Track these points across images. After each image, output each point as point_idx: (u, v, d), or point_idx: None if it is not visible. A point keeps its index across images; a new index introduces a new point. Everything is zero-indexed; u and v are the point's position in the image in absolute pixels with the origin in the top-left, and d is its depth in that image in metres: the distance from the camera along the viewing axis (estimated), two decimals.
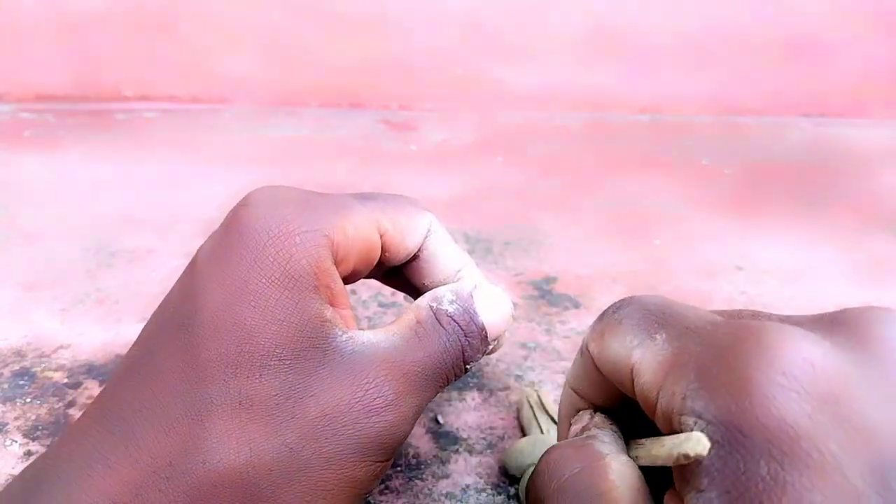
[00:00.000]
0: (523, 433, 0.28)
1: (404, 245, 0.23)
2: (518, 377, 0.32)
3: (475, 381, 0.32)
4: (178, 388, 0.18)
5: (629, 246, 0.46)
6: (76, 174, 0.55)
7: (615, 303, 0.19)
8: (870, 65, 0.76)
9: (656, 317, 0.18)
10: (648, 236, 0.47)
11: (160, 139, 0.63)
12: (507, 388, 0.31)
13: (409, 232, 0.23)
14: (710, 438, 0.14)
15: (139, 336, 0.21)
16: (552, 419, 0.28)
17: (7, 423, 0.28)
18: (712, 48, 0.75)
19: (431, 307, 0.21)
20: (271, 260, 0.19)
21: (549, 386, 0.31)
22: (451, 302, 0.21)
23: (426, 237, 0.24)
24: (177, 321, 0.19)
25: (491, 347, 0.22)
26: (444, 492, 0.26)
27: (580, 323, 0.36)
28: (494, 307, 0.22)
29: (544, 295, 0.39)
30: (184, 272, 0.21)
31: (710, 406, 0.14)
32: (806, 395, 0.14)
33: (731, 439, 0.14)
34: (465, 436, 0.29)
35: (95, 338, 0.34)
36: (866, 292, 0.41)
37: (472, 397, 0.31)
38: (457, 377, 0.21)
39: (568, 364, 0.33)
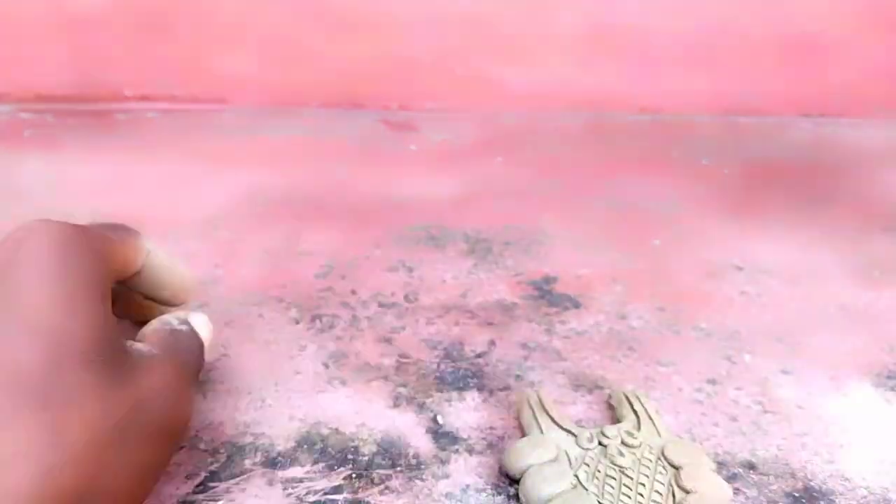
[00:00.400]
0: (523, 434, 0.28)
1: (132, 263, 0.27)
2: (518, 377, 0.32)
3: (475, 381, 0.32)
4: (9, 389, 0.19)
5: (629, 246, 0.46)
6: (76, 174, 0.55)
7: None
8: (870, 65, 0.76)
9: None
10: (648, 236, 0.47)
11: (160, 139, 0.63)
12: (507, 388, 0.31)
13: (135, 249, 0.27)
14: None
15: None
16: (552, 420, 0.28)
17: None
18: (712, 48, 0.75)
19: (166, 328, 0.26)
20: (73, 275, 0.21)
21: (550, 386, 0.31)
22: (182, 324, 0.27)
23: (148, 255, 0.28)
24: None
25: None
26: (444, 492, 0.26)
27: (580, 323, 0.36)
28: (204, 327, 0.27)
29: (544, 295, 0.39)
30: None
31: None
32: None
33: None
34: (465, 436, 0.29)
35: None
36: (866, 292, 0.41)
37: (472, 397, 0.31)
38: (197, 379, 0.27)
39: (568, 364, 0.33)
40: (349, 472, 0.27)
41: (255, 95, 0.73)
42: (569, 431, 0.27)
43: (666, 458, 0.26)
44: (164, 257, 0.29)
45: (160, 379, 0.23)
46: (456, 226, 0.48)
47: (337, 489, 0.26)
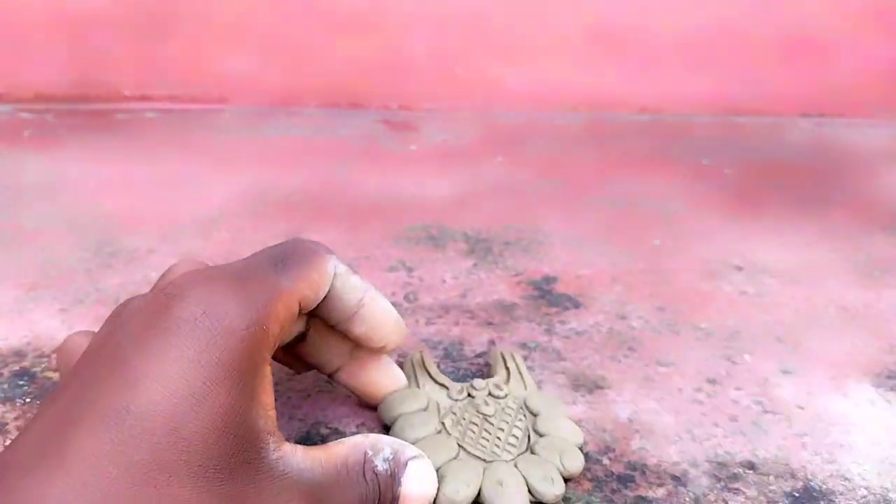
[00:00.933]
0: None
1: (316, 298, 0.23)
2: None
3: None
4: (104, 493, 0.16)
5: (629, 246, 0.46)
6: (76, 174, 0.55)
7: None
8: (870, 65, 0.76)
9: None
10: (648, 236, 0.47)
11: (160, 139, 0.63)
12: None
13: (322, 286, 0.23)
14: None
15: (46, 404, 0.19)
16: (429, 375, 0.30)
17: (7, 424, 0.28)
18: (712, 48, 0.75)
19: (366, 454, 0.21)
20: (215, 359, 0.18)
21: (550, 386, 0.31)
22: (386, 460, 0.21)
23: (333, 279, 0.24)
24: (103, 412, 0.17)
25: None
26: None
27: (580, 323, 0.36)
28: (421, 484, 0.22)
29: (544, 295, 0.39)
30: (103, 351, 0.19)
31: None
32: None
33: None
34: None
35: None
36: (866, 292, 0.41)
37: None
38: None
39: (568, 364, 0.33)
40: None
41: (255, 95, 0.73)
42: (442, 385, 0.29)
43: (527, 407, 0.28)
44: (355, 283, 0.25)
45: None
46: (456, 226, 0.48)
47: None
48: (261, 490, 0.18)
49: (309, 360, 0.27)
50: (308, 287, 0.22)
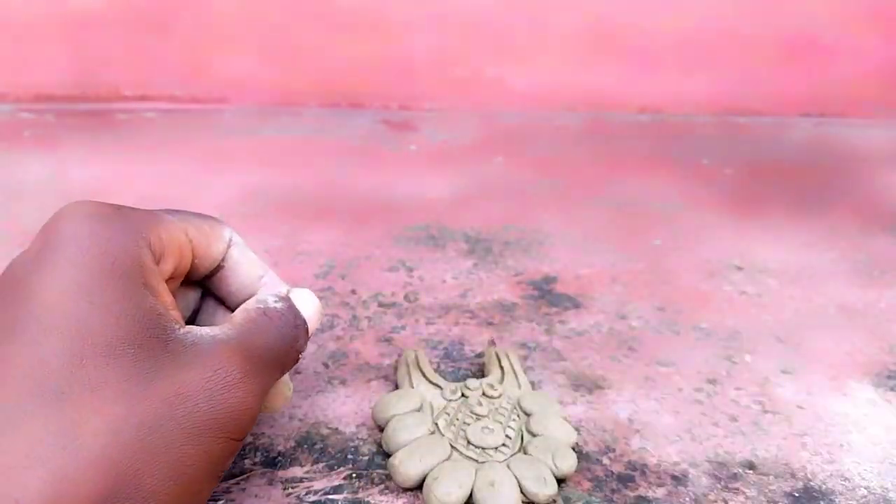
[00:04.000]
0: (396, 388, 0.30)
1: (210, 251, 0.25)
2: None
3: None
4: (24, 387, 0.18)
5: (629, 246, 0.46)
6: (76, 174, 0.55)
7: None
8: (870, 65, 0.76)
9: None
10: (648, 236, 0.47)
11: (160, 139, 0.63)
12: None
13: (214, 239, 0.25)
14: None
15: None
16: (423, 375, 0.30)
17: None
18: (712, 48, 0.75)
19: (259, 307, 0.23)
20: (98, 261, 0.20)
21: (550, 386, 0.31)
22: (276, 301, 0.24)
23: (229, 246, 0.26)
24: (6, 327, 0.19)
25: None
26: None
27: (580, 323, 0.36)
28: (309, 305, 0.25)
29: (544, 295, 0.39)
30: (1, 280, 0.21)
31: None
32: None
33: None
34: None
35: None
36: (866, 292, 0.41)
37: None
38: (294, 363, 0.24)
39: (568, 364, 0.33)
40: (349, 472, 0.26)
41: (255, 95, 0.73)
42: (436, 385, 0.29)
43: (521, 407, 0.28)
44: (254, 258, 0.26)
45: (212, 369, 0.20)
46: (456, 226, 0.48)
47: (337, 489, 0.26)
48: (178, 357, 0.20)
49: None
50: (197, 231, 0.24)
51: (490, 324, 0.36)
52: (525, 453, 0.26)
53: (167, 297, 0.22)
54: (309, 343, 0.34)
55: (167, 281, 0.23)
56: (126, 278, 0.20)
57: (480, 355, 0.34)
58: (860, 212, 0.52)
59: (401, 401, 0.28)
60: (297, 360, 0.24)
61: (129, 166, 0.57)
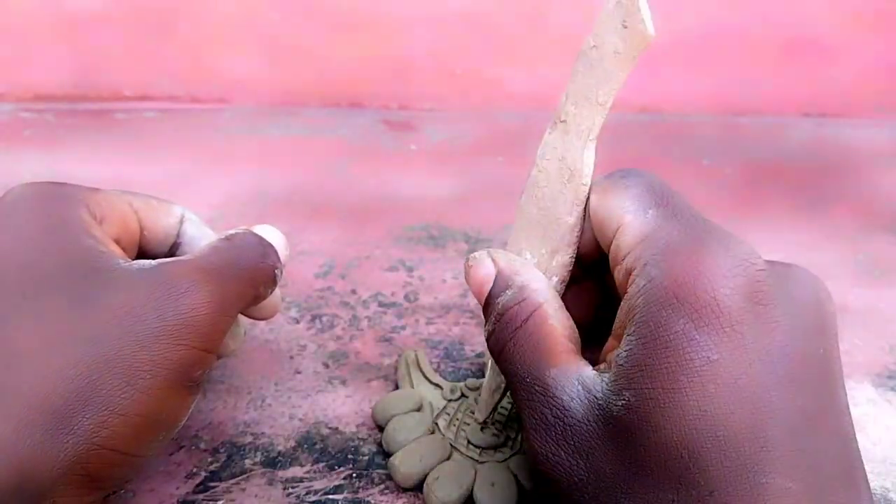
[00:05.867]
0: (397, 388, 0.30)
1: (159, 224, 0.26)
2: None
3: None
4: None
5: None
6: (76, 174, 0.55)
7: (624, 170, 0.24)
8: (870, 65, 0.76)
9: (655, 195, 0.22)
10: None
11: (160, 139, 0.63)
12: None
13: (163, 213, 0.26)
14: (653, 297, 0.18)
15: None
16: (423, 375, 0.30)
17: None
18: (712, 48, 0.75)
19: (220, 236, 0.24)
20: (42, 216, 0.21)
21: None
22: (236, 230, 0.24)
23: (182, 222, 0.26)
24: None
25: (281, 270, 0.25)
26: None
27: None
28: (273, 235, 0.25)
29: None
30: None
31: (662, 274, 0.18)
32: (740, 290, 0.18)
33: (666, 301, 0.18)
34: None
35: None
36: (866, 292, 0.41)
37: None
38: (270, 279, 0.24)
39: None
40: (349, 472, 0.27)
41: (255, 95, 0.73)
42: (436, 384, 0.29)
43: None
44: (210, 233, 0.27)
45: (158, 283, 0.21)
46: (456, 226, 0.48)
47: (337, 489, 0.26)
48: (122, 279, 0.21)
49: None
50: (144, 204, 0.26)
51: None
52: (525, 453, 0.26)
53: (113, 246, 0.23)
54: (309, 343, 0.34)
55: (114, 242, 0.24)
56: (66, 226, 0.21)
57: (481, 355, 0.34)
58: (860, 212, 0.52)
59: (401, 401, 0.28)
60: (273, 277, 0.24)
61: (129, 166, 0.57)
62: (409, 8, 0.72)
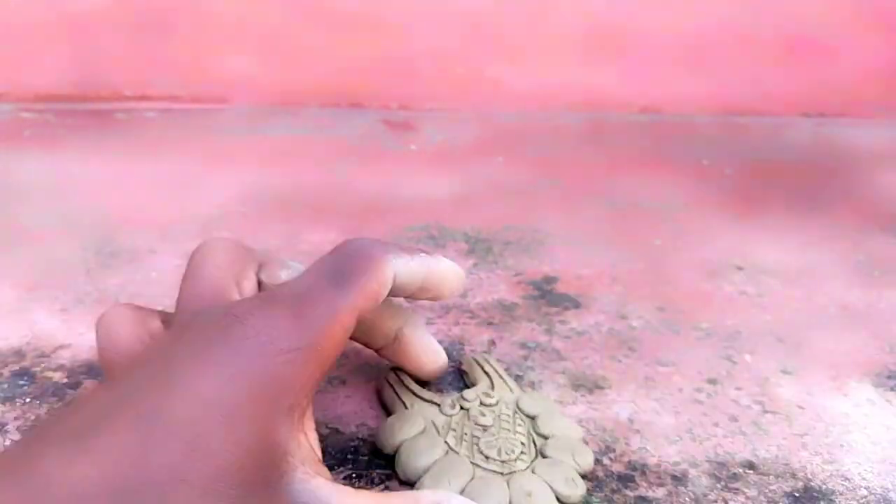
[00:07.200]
0: (388, 413, 0.29)
1: (376, 306, 0.23)
2: (518, 377, 0.32)
3: None
4: (119, 484, 0.16)
5: (629, 246, 0.46)
6: (76, 174, 0.55)
7: None
8: (870, 65, 0.76)
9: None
10: (648, 236, 0.47)
11: (160, 139, 0.63)
12: None
13: (382, 294, 0.23)
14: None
15: (96, 390, 0.19)
16: (414, 393, 0.29)
17: (7, 424, 0.28)
18: (712, 48, 0.75)
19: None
20: (256, 376, 0.18)
21: (550, 386, 0.31)
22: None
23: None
24: (137, 411, 0.17)
25: None
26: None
27: (580, 323, 0.36)
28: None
29: (544, 295, 0.39)
30: (156, 354, 0.20)
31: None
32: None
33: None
34: None
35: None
36: (866, 292, 0.41)
37: None
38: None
39: (568, 364, 0.33)
40: (349, 472, 0.26)
41: (255, 95, 0.73)
42: (431, 402, 0.28)
43: (521, 411, 0.28)
44: (416, 267, 0.24)
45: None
46: (456, 226, 0.48)
47: None
48: None
49: (352, 337, 0.25)
50: (366, 299, 0.22)
51: (490, 324, 0.36)
52: (543, 456, 0.26)
53: (309, 420, 0.20)
54: None
55: None
56: (274, 402, 0.18)
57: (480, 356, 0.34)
58: (860, 212, 0.52)
59: (404, 425, 0.27)
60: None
61: (129, 166, 0.57)
62: (410, 8, 0.72)
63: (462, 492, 0.24)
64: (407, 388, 0.29)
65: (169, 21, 0.70)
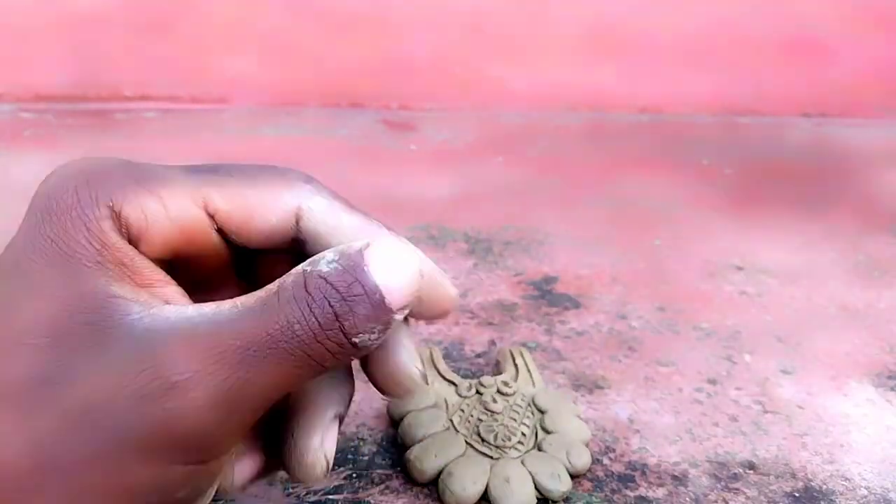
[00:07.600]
0: None
1: (253, 224, 0.18)
2: None
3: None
4: None
5: (629, 246, 0.46)
6: None
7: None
8: (870, 65, 0.76)
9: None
10: (648, 236, 0.47)
11: (160, 139, 0.63)
12: None
13: (261, 210, 0.18)
14: None
15: None
16: (438, 372, 0.30)
17: None
18: (712, 48, 0.75)
19: (305, 271, 0.16)
20: (45, 237, 0.17)
21: (550, 386, 0.31)
22: (331, 262, 0.16)
23: (300, 218, 0.19)
24: None
25: (399, 317, 0.17)
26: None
27: (580, 323, 0.36)
28: (394, 264, 0.16)
29: (544, 295, 0.39)
30: None
31: None
32: None
33: None
34: None
35: None
36: (866, 292, 0.41)
37: None
38: (336, 357, 0.16)
39: (568, 364, 0.33)
40: (349, 472, 0.26)
41: (255, 95, 0.73)
42: (450, 382, 0.29)
43: (535, 405, 0.28)
44: (356, 222, 0.19)
45: (144, 367, 0.15)
46: (456, 226, 0.48)
47: (337, 489, 0.26)
48: (110, 350, 0.15)
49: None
50: (226, 199, 0.18)
51: (490, 324, 0.36)
52: (540, 450, 0.26)
53: (150, 276, 0.17)
54: None
55: (171, 256, 0.18)
56: (70, 257, 0.16)
57: (481, 355, 0.34)
58: (860, 212, 0.52)
59: (416, 397, 0.28)
60: (350, 349, 0.16)
61: None
62: (410, 8, 0.72)
63: (446, 465, 0.25)
64: (435, 366, 0.30)
65: (169, 21, 0.70)
